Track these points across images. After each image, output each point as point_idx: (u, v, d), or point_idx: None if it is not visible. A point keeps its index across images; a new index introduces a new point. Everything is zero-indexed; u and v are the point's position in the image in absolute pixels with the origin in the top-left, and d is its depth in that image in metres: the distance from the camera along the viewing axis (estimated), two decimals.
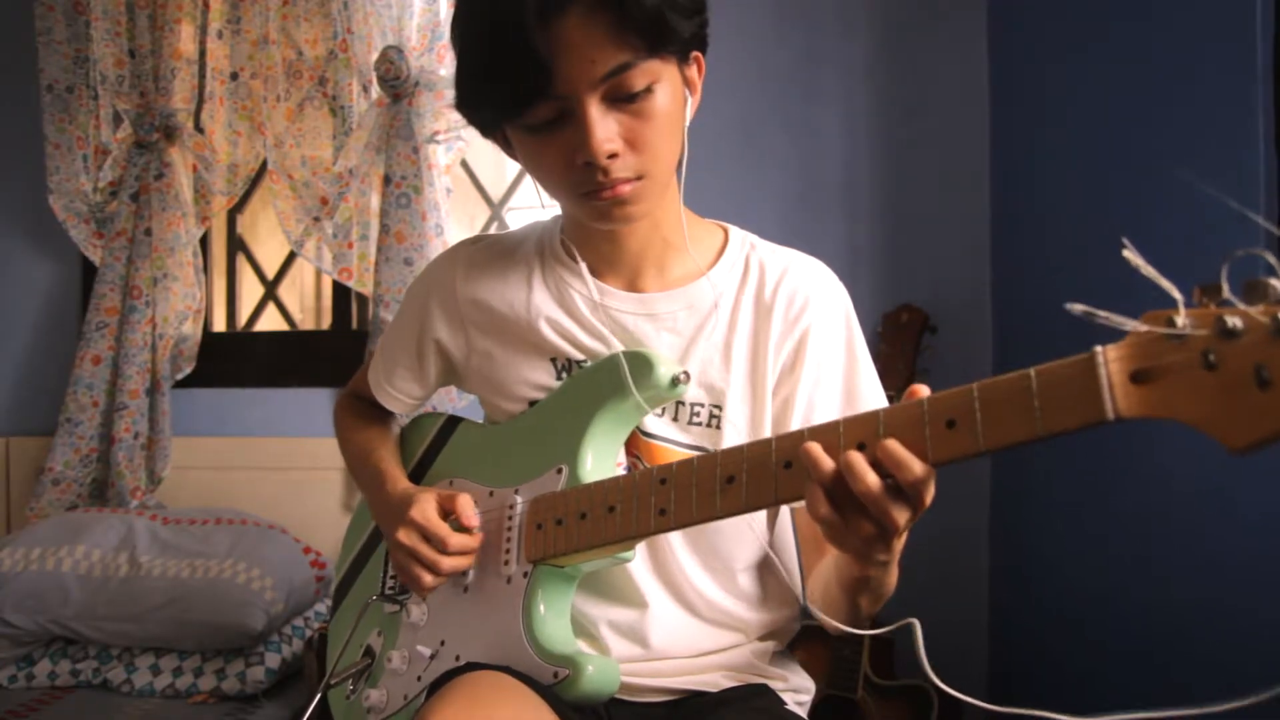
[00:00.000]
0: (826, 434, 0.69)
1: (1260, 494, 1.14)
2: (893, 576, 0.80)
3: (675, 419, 0.92)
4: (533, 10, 0.75)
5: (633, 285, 0.96)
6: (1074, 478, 1.58)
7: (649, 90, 0.80)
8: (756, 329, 0.93)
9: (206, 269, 2.21)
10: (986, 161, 1.89)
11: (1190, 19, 1.28)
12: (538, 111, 0.80)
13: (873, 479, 0.64)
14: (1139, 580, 1.38)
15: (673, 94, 0.83)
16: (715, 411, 0.91)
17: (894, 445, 0.63)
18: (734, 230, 1.00)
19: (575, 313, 0.96)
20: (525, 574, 0.89)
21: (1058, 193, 1.64)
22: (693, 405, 0.92)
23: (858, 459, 0.64)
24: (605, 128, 0.80)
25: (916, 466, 0.63)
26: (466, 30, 0.83)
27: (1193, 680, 1.23)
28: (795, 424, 0.91)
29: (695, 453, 0.90)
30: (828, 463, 0.66)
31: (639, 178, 0.84)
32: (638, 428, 0.92)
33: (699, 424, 0.92)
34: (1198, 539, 1.26)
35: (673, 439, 0.92)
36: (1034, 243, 1.73)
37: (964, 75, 1.90)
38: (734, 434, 0.91)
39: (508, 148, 0.91)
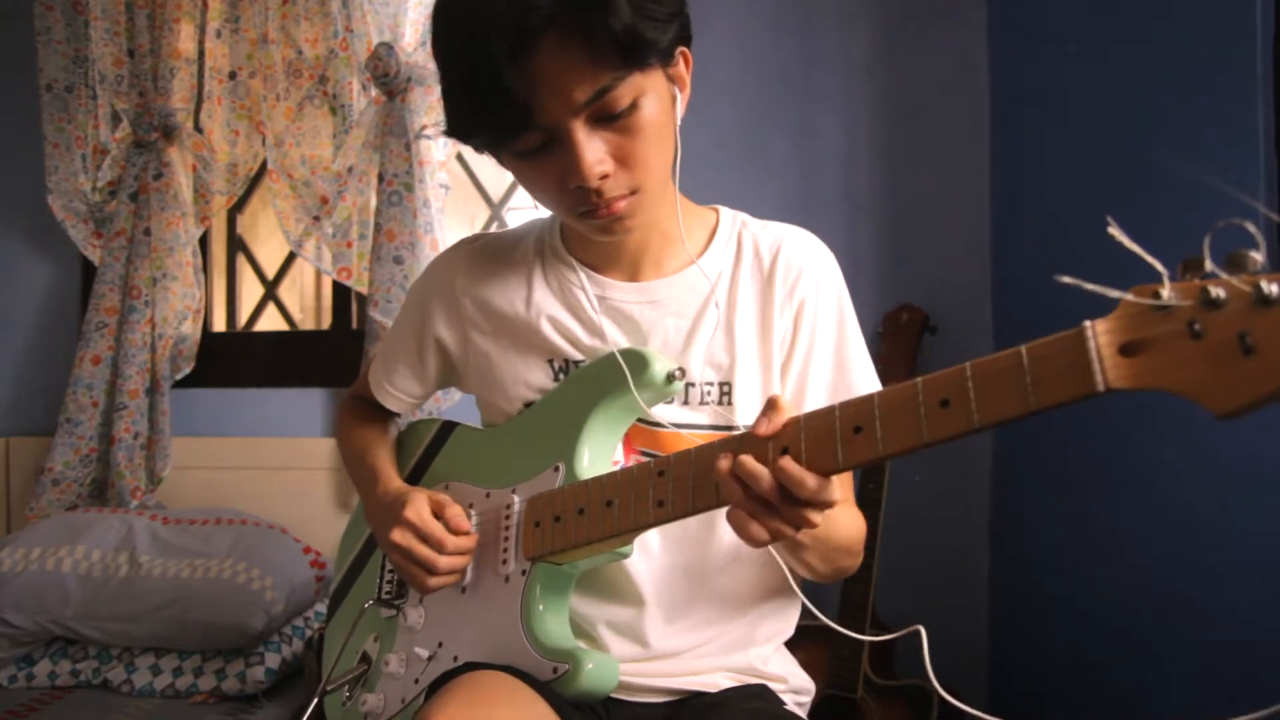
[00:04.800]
0: (822, 419, 0.70)
1: (1259, 495, 1.14)
2: (833, 530, 0.85)
3: (685, 402, 0.93)
4: (503, 51, 0.75)
5: (634, 277, 0.97)
6: (1074, 478, 1.58)
7: (634, 106, 0.80)
8: (762, 298, 0.94)
9: (206, 269, 2.21)
10: (986, 161, 1.89)
11: (1190, 20, 1.28)
12: (524, 141, 0.81)
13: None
14: (1139, 580, 1.38)
15: (659, 102, 0.83)
16: (725, 388, 0.92)
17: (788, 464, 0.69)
18: (724, 211, 1.01)
19: (577, 309, 0.96)
20: (524, 572, 0.89)
21: (1057, 193, 1.64)
22: (703, 385, 0.93)
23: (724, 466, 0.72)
24: (593, 150, 0.80)
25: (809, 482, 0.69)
26: (444, 66, 0.84)
27: (1193, 681, 1.23)
28: (788, 392, 0.93)
29: (711, 432, 0.91)
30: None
31: (633, 192, 0.84)
32: (645, 418, 0.93)
33: (710, 402, 0.93)
34: (1198, 541, 1.26)
35: (685, 423, 0.92)
36: (1034, 242, 1.73)
37: (964, 75, 1.90)
38: (747, 405, 0.92)
39: (501, 163, 0.91)
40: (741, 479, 0.71)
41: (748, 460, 0.70)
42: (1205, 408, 0.51)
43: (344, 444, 1.14)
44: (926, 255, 1.91)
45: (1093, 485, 1.52)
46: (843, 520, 0.88)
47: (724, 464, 0.72)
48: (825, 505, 0.70)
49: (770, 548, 0.86)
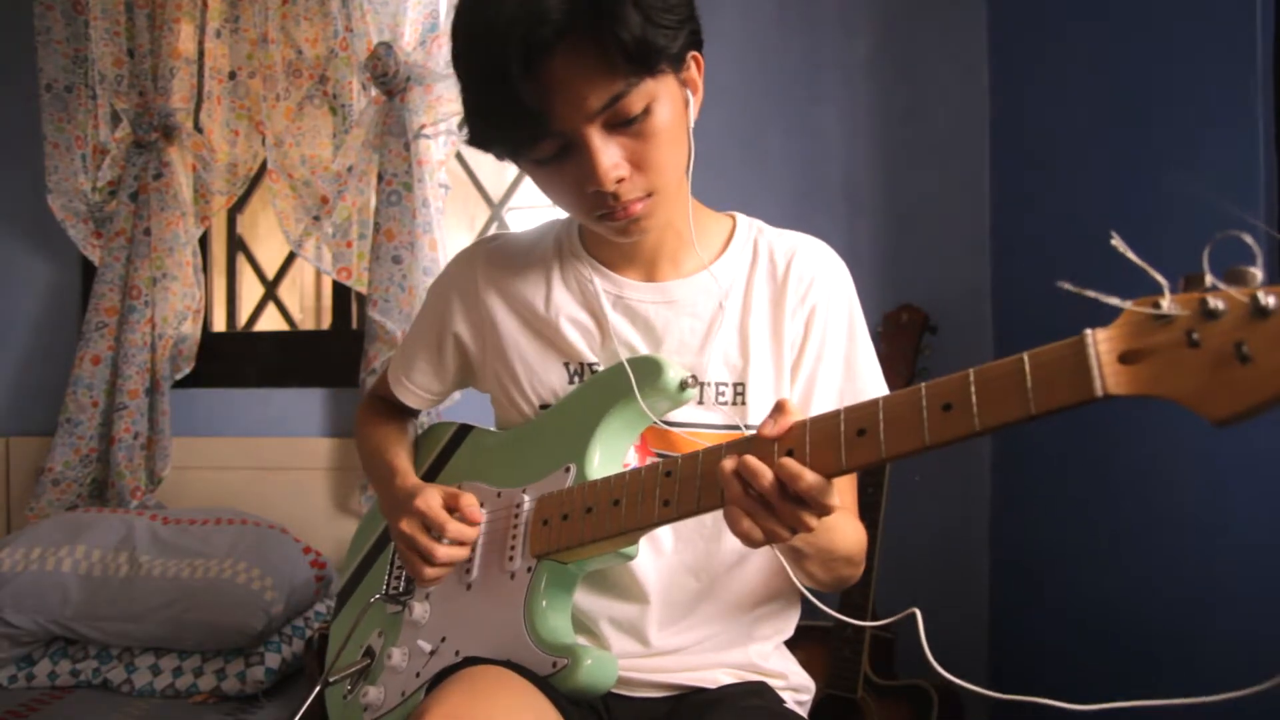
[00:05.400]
0: (828, 422, 0.71)
1: (1258, 491, 1.15)
2: (836, 539, 0.86)
3: (700, 401, 0.94)
4: (517, 61, 0.76)
5: (650, 277, 0.98)
6: (1074, 476, 1.58)
7: (647, 111, 0.82)
8: (775, 304, 0.96)
9: (206, 269, 2.21)
10: (986, 161, 1.89)
11: (1190, 19, 1.28)
12: (541, 149, 0.83)
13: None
14: (1139, 583, 1.38)
15: (672, 106, 0.84)
16: (739, 389, 0.94)
17: (789, 462, 0.70)
18: (741, 217, 1.03)
19: (595, 310, 0.97)
20: (529, 569, 0.90)
21: (1058, 193, 1.64)
22: (717, 385, 0.94)
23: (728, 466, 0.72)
24: (609, 155, 0.82)
25: (809, 477, 0.69)
26: (463, 77, 0.85)
27: (1192, 675, 1.23)
28: (797, 395, 0.95)
29: (724, 432, 0.92)
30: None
31: (649, 195, 0.86)
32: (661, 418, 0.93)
33: (725, 402, 0.94)
34: (1196, 535, 1.26)
35: (699, 422, 0.94)
36: (1034, 242, 1.73)
37: (964, 75, 1.90)
38: (759, 406, 0.93)
39: (521, 169, 0.93)
40: (743, 476, 0.71)
41: (750, 458, 0.71)
42: (1201, 415, 0.52)
43: (362, 440, 1.15)
44: (926, 255, 1.91)
45: (1092, 488, 1.52)
46: (845, 530, 0.89)
47: (728, 464, 0.72)
48: (823, 509, 0.71)
49: (776, 553, 0.86)
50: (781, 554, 0.86)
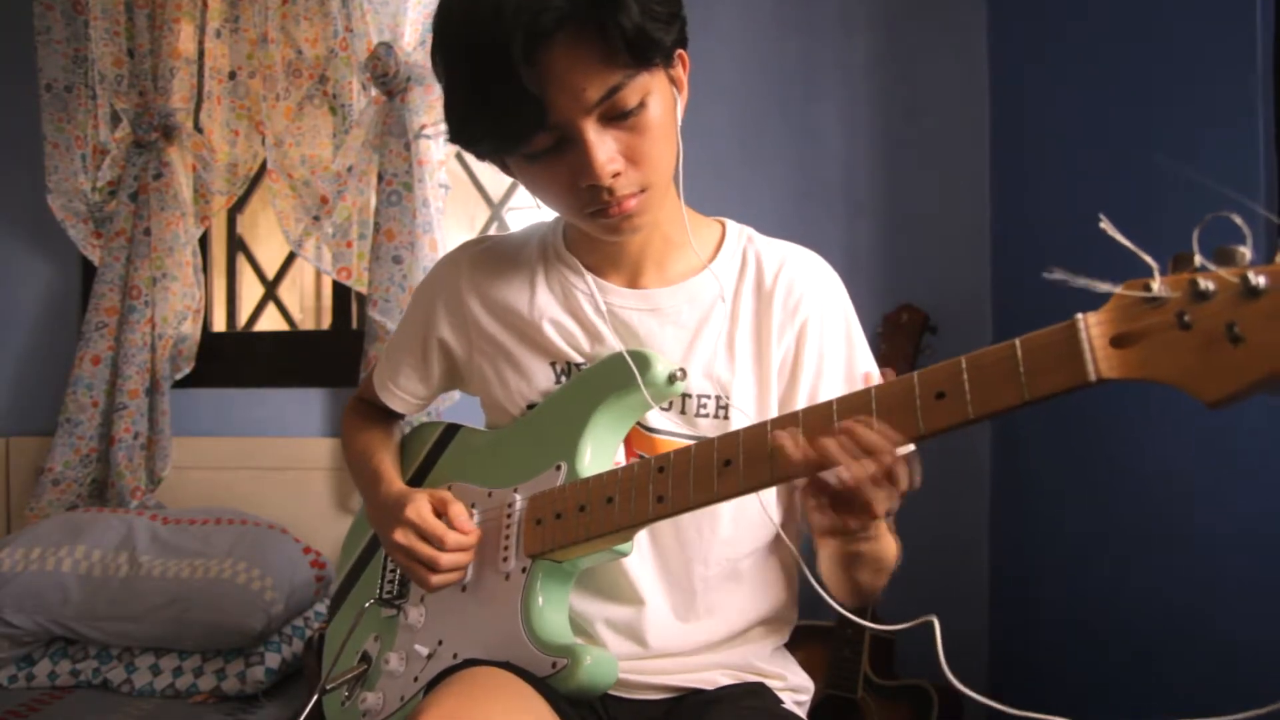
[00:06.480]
0: (820, 414, 0.70)
1: (1258, 495, 1.14)
2: (888, 546, 0.85)
3: (682, 412, 0.93)
4: (518, 49, 0.75)
5: (634, 282, 0.97)
6: (1074, 479, 1.58)
7: (642, 105, 0.81)
8: (759, 318, 0.95)
9: (206, 269, 2.21)
10: (986, 161, 1.89)
11: (1190, 19, 1.28)
12: (535, 142, 0.81)
13: (851, 465, 0.66)
14: (1139, 582, 1.38)
15: (664, 101, 0.84)
16: (722, 402, 0.92)
17: (861, 430, 0.66)
18: (731, 224, 1.02)
19: (579, 314, 0.96)
20: (524, 569, 0.89)
21: (1057, 193, 1.64)
22: (699, 397, 0.93)
23: (832, 444, 0.67)
24: (605, 149, 0.81)
25: (889, 451, 0.65)
26: (452, 71, 0.83)
27: (1192, 683, 1.23)
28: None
29: None
30: (798, 453, 0.69)
31: (642, 190, 0.85)
32: (641, 423, 0.93)
33: (706, 415, 0.92)
34: (1197, 541, 1.26)
35: (679, 432, 0.93)
36: (1034, 243, 1.73)
37: (964, 75, 1.90)
38: (743, 422, 0.91)
39: (505, 169, 0.92)
40: (864, 448, 0.66)
41: (867, 434, 0.66)
42: (1194, 396, 0.52)
43: (348, 446, 1.14)
44: (926, 255, 1.91)
45: (1092, 488, 1.52)
46: (890, 539, 0.88)
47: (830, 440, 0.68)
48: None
49: (831, 566, 0.86)
50: (834, 562, 0.85)
